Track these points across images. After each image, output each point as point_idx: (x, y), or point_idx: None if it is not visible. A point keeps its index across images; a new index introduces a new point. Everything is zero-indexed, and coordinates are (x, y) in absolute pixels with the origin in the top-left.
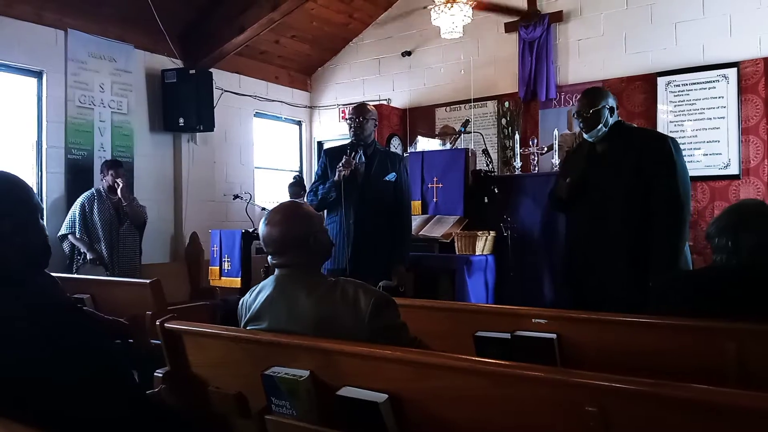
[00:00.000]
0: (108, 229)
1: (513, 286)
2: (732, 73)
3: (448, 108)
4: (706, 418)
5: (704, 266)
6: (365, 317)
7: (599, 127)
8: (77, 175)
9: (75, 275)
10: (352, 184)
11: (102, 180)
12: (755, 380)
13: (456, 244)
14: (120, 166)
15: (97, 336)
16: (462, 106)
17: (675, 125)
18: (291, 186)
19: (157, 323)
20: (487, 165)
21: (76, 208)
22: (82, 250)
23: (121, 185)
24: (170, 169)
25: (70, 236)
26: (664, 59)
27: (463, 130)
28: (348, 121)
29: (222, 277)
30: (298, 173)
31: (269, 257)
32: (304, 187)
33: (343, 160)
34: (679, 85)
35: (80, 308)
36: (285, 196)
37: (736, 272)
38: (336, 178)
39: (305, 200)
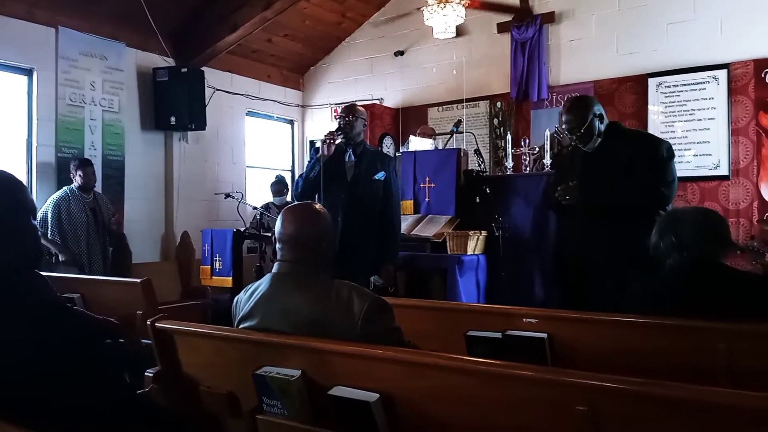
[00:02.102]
0: (85, 229)
1: (504, 285)
2: (722, 74)
3: (440, 108)
4: (696, 417)
5: (667, 270)
6: (358, 321)
7: (594, 138)
8: (67, 173)
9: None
10: (342, 182)
11: (73, 179)
12: (743, 379)
13: (448, 243)
14: (89, 165)
15: (85, 333)
16: (454, 106)
17: (666, 126)
18: (273, 185)
19: (148, 323)
20: (479, 165)
21: (48, 208)
22: (52, 251)
23: (116, 221)
24: (161, 167)
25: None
26: (655, 60)
27: (455, 130)
28: (338, 119)
29: (213, 277)
30: (280, 173)
31: (278, 248)
32: (287, 185)
33: (326, 133)
34: (669, 86)
35: (69, 307)
36: (270, 195)
37: (694, 265)
38: (319, 153)
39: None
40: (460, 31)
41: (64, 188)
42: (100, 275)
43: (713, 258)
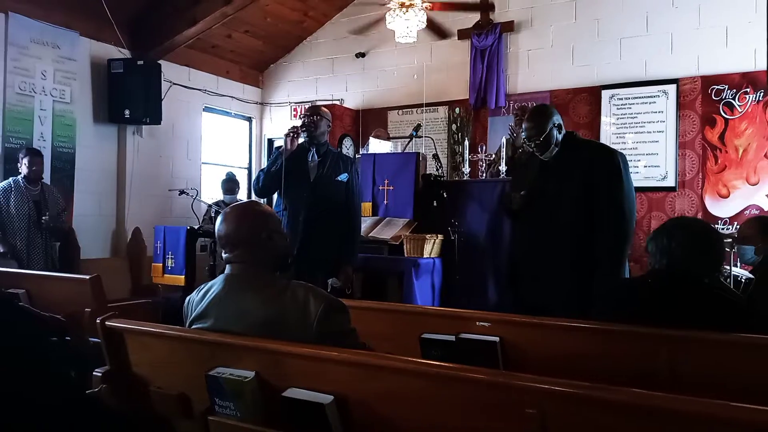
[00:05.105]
0: (26, 222)
1: (459, 289)
2: (671, 89)
3: (400, 111)
4: (639, 420)
5: (641, 274)
6: (313, 322)
7: (551, 148)
8: (15, 165)
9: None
10: (304, 182)
11: (19, 169)
12: (686, 384)
13: (405, 246)
14: (36, 155)
15: (30, 330)
16: (414, 110)
17: (617, 137)
18: (224, 182)
19: (98, 321)
20: (437, 170)
21: None
22: None
23: (46, 220)
24: (114, 161)
25: None
26: (609, 73)
27: (414, 134)
28: (303, 117)
29: (165, 275)
30: (230, 171)
31: (222, 252)
32: (238, 183)
33: (290, 127)
34: (622, 99)
35: (14, 302)
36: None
37: (668, 274)
38: (282, 146)
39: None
40: (420, 36)
41: (10, 179)
42: (40, 271)
43: (691, 271)
